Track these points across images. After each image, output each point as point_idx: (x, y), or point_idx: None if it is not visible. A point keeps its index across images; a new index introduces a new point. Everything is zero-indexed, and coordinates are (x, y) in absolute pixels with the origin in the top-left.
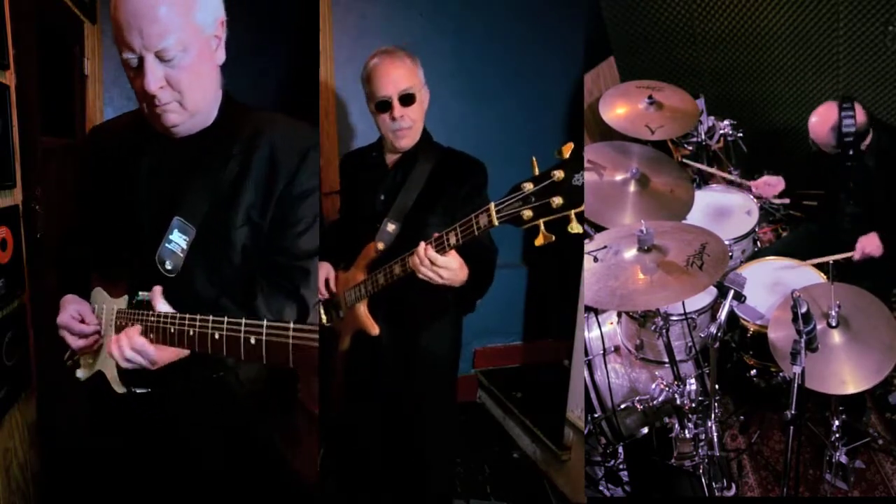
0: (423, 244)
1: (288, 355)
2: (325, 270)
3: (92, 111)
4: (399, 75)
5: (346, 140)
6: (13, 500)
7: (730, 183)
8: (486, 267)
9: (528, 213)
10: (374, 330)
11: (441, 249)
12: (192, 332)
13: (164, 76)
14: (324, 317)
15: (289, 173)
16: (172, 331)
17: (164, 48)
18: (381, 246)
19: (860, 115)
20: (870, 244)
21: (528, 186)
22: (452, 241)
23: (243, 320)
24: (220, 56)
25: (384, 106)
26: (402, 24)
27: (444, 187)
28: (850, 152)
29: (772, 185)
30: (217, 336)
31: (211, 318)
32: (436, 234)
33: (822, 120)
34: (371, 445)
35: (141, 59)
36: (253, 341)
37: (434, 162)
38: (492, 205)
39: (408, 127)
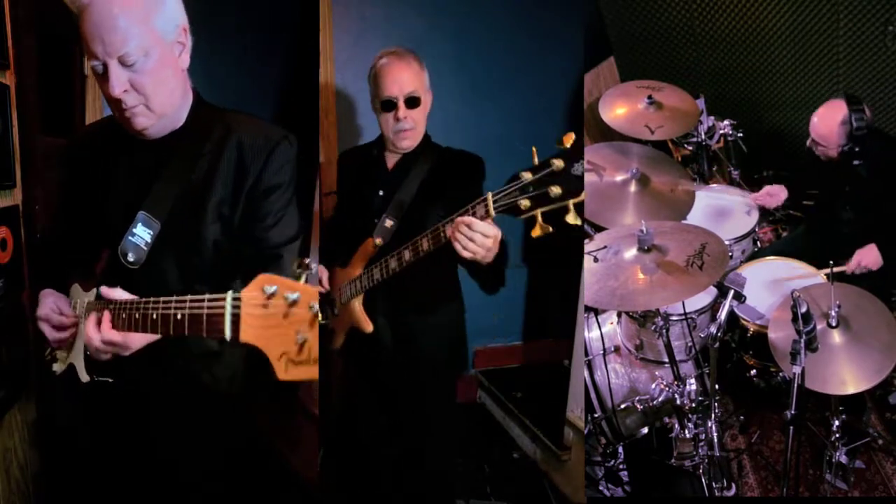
0: (444, 225)
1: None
2: (319, 270)
3: (92, 111)
4: (406, 77)
5: (347, 140)
6: (13, 499)
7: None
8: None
9: (525, 203)
10: (369, 327)
11: (437, 241)
12: (137, 316)
13: (127, 80)
14: (318, 314)
15: (256, 171)
16: (124, 316)
17: (126, 53)
18: (379, 241)
19: (867, 110)
20: (867, 257)
21: (527, 176)
22: (449, 231)
23: (174, 298)
24: (185, 61)
25: (389, 106)
26: (402, 24)
27: (442, 184)
28: (857, 149)
29: (773, 195)
30: (155, 316)
31: (152, 299)
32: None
33: (829, 115)
34: (370, 443)
35: (105, 66)
36: (179, 316)
37: (433, 161)
38: (489, 194)
39: (410, 128)
